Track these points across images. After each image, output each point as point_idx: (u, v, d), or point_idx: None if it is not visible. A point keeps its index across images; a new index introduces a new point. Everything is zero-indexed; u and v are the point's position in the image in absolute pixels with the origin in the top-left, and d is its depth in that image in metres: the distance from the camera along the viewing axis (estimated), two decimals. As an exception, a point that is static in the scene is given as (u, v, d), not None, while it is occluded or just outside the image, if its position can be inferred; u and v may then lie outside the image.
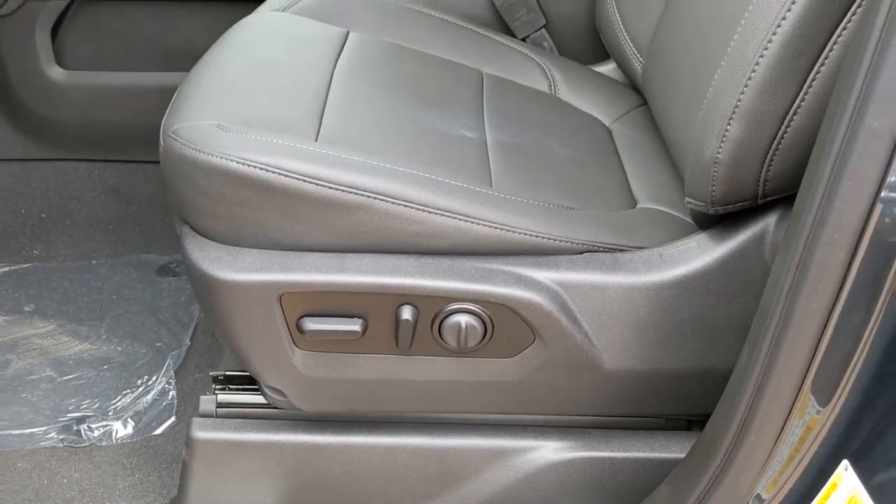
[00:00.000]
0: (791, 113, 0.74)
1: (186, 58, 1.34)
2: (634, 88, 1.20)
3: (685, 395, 0.92)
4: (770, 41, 0.73)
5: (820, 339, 0.66)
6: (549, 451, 0.95)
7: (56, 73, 1.43)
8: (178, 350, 1.25)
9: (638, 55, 1.15)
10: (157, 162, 1.44)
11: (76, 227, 1.50)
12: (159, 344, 1.26)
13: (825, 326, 0.65)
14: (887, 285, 0.61)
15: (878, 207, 0.60)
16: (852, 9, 0.70)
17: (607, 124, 1.15)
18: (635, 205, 0.97)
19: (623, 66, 1.23)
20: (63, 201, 1.52)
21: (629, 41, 1.17)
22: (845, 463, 0.67)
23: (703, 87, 0.82)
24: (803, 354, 0.66)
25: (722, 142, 0.77)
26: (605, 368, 0.88)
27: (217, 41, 1.10)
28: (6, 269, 1.42)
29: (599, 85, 1.23)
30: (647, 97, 1.13)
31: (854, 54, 0.60)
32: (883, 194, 0.60)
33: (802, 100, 0.74)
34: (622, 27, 1.19)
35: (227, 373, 0.99)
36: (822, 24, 0.72)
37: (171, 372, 1.21)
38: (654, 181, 1.00)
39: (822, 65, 0.72)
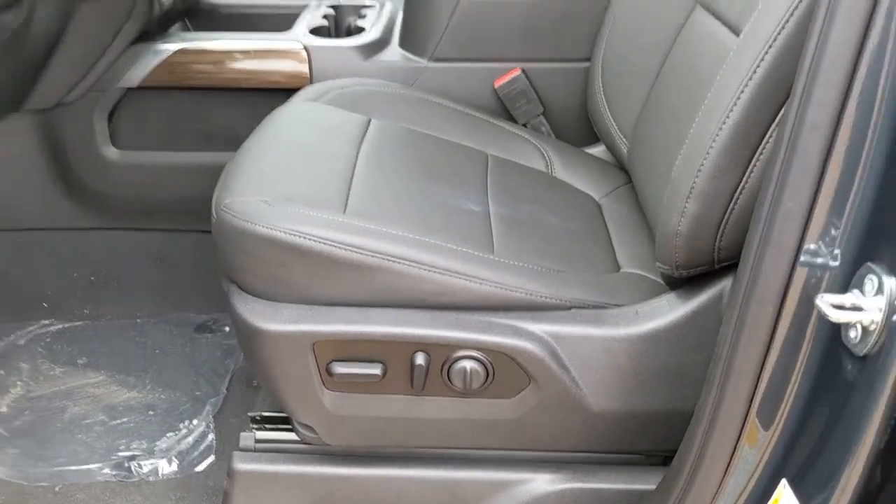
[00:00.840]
0: (737, 194, 0.90)
1: (226, 140, 1.52)
2: (622, 168, 1.36)
3: (661, 433, 1.05)
4: (718, 133, 0.89)
5: (759, 378, 0.80)
6: (543, 482, 1.08)
7: (111, 152, 1.59)
8: (215, 398, 1.39)
9: (624, 139, 1.31)
10: (196, 230, 1.61)
11: (122, 289, 1.65)
12: (198, 392, 1.41)
13: (762, 367, 0.79)
14: (809, 332, 0.76)
15: (798, 270, 0.76)
16: (784, 108, 0.87)
17: (597, 199, 1.30)
18: (619, 269, 1.12)
19: (611, 149, 1.39)
20: (111, 266, 1.68)
21: (616, 127, 1.34)
22: (784, 481, 0.81)
23: (670, 169, 0.98)
24: (746, 391, 0.80)
25: (682, 217, 0.92)
26: (591, 409, 1.01)
27: (258, 127, 1.27)
28: (60, 326, 1.58)
29: (591, 165, 1.39)
30: (631, 176, 1.29)
31: (776, 146, 0.76)
32: (802, 258, 0.75)
33: (746, 182, 0.89)
34: (610, 116, 1.36)
35: (263, 413, 1.13)
36: (760, 120, 0.87)
37: (210, 417, 1.35)
38: (636, 249, 1.15)
39: (760, 153, 0.88)
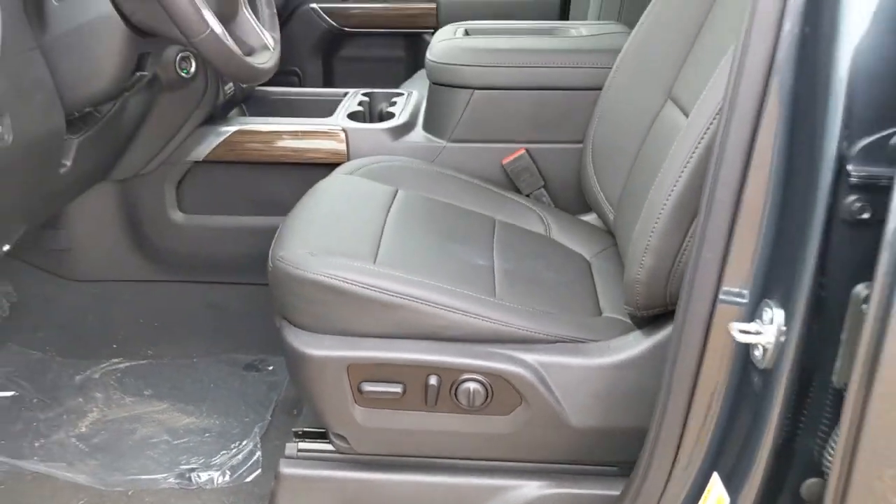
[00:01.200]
0: (682, 249, 1.14)
1: (275, 207, 1.78)
2: (609, 232, 1.60)
3: (631, 446, 1.25)
4: (666, 201, 1.13)
5: (692, 393, 1.02)
6: (533, 488, 1.30)
7: (177, 216, 1.87)
8: (261, 423, 1.63)
9: (610, 208, 1.54)
10: (246, 283, 1.87)
11: (182, 333, 1.91)
12: (247, 419, 1.65)
13: (695, 384, 1.01)
14: (727, 354, 0.98)
15: (717, 306, 0.99)
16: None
17: (588, 258, 1.54)
18: (601, 314, 1.35)
19: (601, 216, 1.63)
20: (173, 313, 1.94)
21: (604, 198, 1.58)
22: (715, 474, 1.02)
23: (635, 230, 1.23)
24: (682, 406, 1.01)
25: (640, 268, 1.16)
26: (572, 425, 1.24)
27: (304, 196, 1.54)
28: (128, 364, 1.83)
29: (583, 229, 1.64)
30: (616, 238, 1.53)
31: (698, 210, 1.00)
32: (720, 297, 0.99)
33: (688, 240, 1.13)
34: (599, 188, 1.60)
35: (305, 429, 1.37)
36: (698, 189, 1.12)
37: (257, 438, 1.59)
38: (615, 298, 1.39)
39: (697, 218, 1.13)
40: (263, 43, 1.47)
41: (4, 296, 1.86)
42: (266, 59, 1.43)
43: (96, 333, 1.90)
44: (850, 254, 0.83)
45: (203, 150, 1.81)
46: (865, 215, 0.81)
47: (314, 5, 2.81)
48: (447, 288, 1.24)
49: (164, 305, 1.94)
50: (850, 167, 0.81)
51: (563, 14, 2.62)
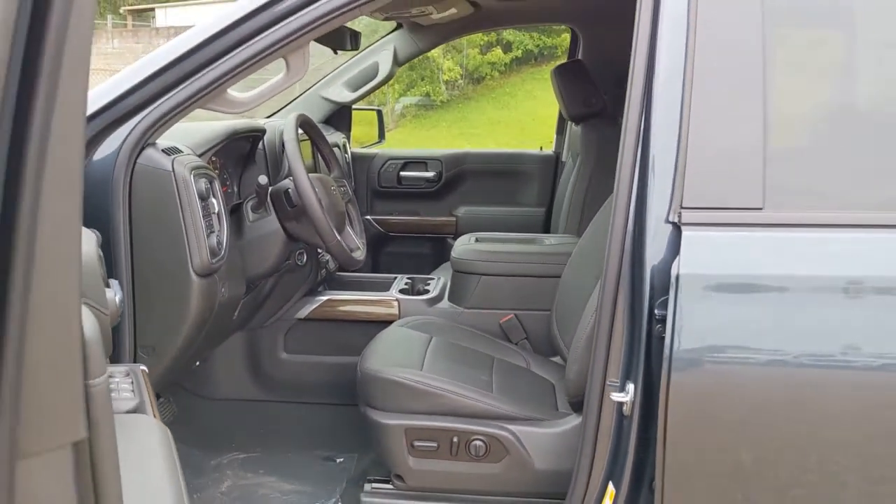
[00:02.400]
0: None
1: (351, 349, 2.71)
2: (567, 367, 2.52)
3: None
4: (581, 341, 2.06)
5: (596, 437, 1.90)
6: (514, 510, 2.15)
7: (283, 355, 2.80)
8: (336, 492, 2.48)
9: (566, 351, 2.48)
10: (329, 404, 2.77)
11: (283, 437, 2.77)
12: (328, 487, 2.50)
13: (597, 431, 1.89)
14: (612, 414, 1.87)
15: (605, 388, 1.89)
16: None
17: (553, 382, 2.45)
18: (558, 408, 2.25)
19: (562, 357, 2.56)
20: (277, 422, 2.81)
21: (562, 345, 2.51)
22: (609, 482, 1.89)
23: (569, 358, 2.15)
24: (591, 444, 1.91)
25: (570, 374, 2.07)
26: (538, 468, 2.10)
27: (375, 337, 2.46)
28: (243, 456, 2.69)
29: (551, 366, 2.56)
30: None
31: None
32: (606, 384, 1.89)
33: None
34: (560, 339, 2.54)
35: (375, 476, 2.23)
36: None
37: (337, 496, 2.44)
38: (564, 399, 2.29)
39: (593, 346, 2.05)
40: (357, 245, 2.48)
41: (168, 408, 2.75)
42: (359, 255, 2.42)
43: (219, 435, 2.77)
44: (659, 355, 1.70)
45: (304, 311, 2.77)
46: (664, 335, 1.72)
47: (369, 217, 3.89)
48: (463, 386, 2.15)
49: (271, 417, 2.82)
50: (656, 311, 1.73)
51: (546, 227, 3.68)
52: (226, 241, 2.06)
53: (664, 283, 1.51)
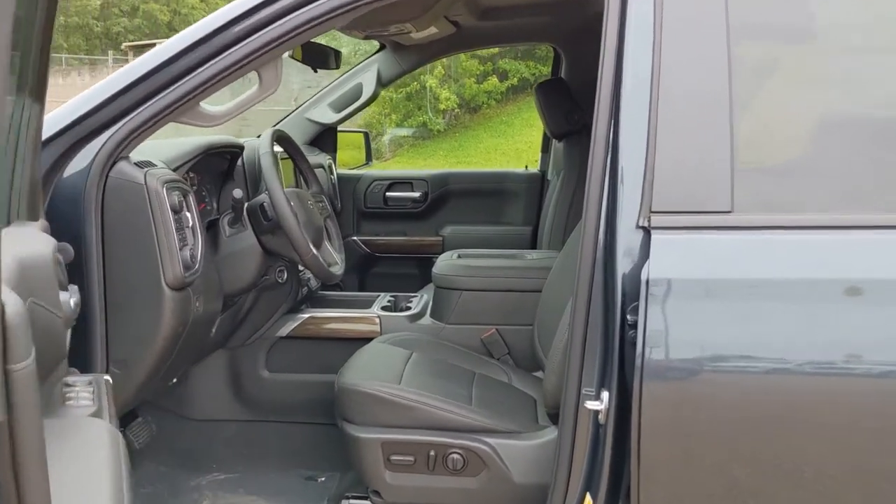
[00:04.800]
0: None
1: (332, 367, 2.69)
2: (549, 381, 2.50)
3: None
4: (557, 353, 2.05)
5: (572, 450, 1.88)
6: (494, 525, 2.12)
7: (265, 373, 2.76)
8: (320, 506, 2.45)
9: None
10: (310, 423, 2.75)
11: (265, 455, 2.74)
12: (310, 505, 2.48)
13: (573, 444, 1.88)
14: (587, 422, 1.86)
15: (581, 397, 1.88)
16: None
17: (534, 397, 2.43)
18: (537, 420, 2.22)
19: (543, 371, 2.54)
20: (258, 442, 2.79)
21: (543, 360, 2.50)
22: (588, 493, 1.86)
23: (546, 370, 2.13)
24: (567, 454, 1.88)
25: (548, 385, 2.05)
26: (515, 482, 2.07)
27: (353, 355, 2.45)
28: (223, 476, 2.66)
29: (533, 381, 2.54)
30: (551, 383, 2.43)
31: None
32: (581, 393, 1.88)
33: (575, 367, 2.03)
34: (542, 354, 2.52)
35: (351, 494, 2.20)
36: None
37: (318, 513, 2.41)
38: (543, 413, 2.27)
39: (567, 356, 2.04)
40: (336, 260, 2.47)
41: (147, 428, 2.73)
42: (337, 270, 2.42)
43: (201, 455, 2.74)
44: (633, 362, 1.67)
45: (286, 329, 2.76)
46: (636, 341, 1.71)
47: (355, 237, 3.89)
48: (441, 399, 2.13)
49: (252, 436, 2.80)
50: (628, 316, 1.72)
51: (532, 245, 3.68)
52: (200, 254, 2.05)
53: (635, 289, 1.50)
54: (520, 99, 17.18)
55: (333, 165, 3.81)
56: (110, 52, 28.51)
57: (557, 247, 3.06)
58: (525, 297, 2.66)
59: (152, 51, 1.89)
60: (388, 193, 3.92)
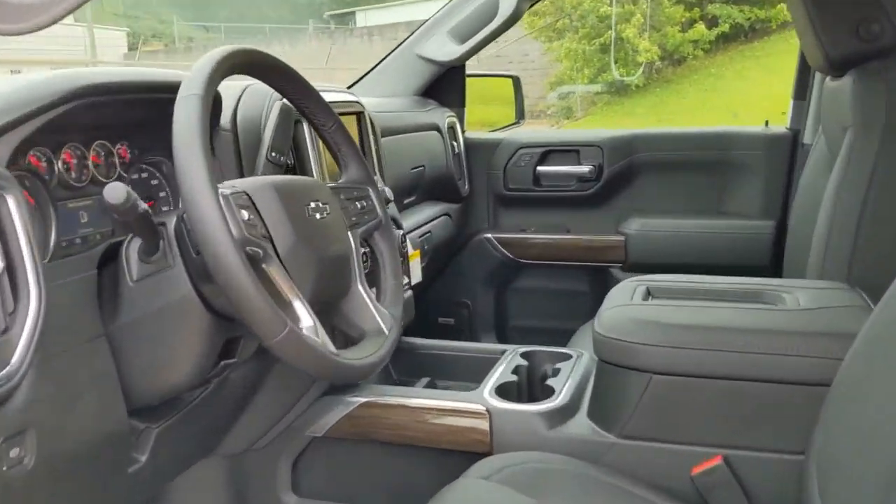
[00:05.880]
0: None
1: (405, 499, 1.46)
2: None
3: None
4: None
5: None
6: None
7: (290, 499, 1.58)
8: None
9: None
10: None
11: None
12: None
13: None
14: None
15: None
16: None
17: None
18: None
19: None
20: None
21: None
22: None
23: None
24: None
25: None
26: None
27: (433, 498, 1.19)
28: None
29: None
30: None
31: None
32: None
33: None
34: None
35: None
36: None
37: None
38: None
39: None
40: (378, 326, 1.18)
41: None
42: (372, 351, 1.13)
43: None
44: None
45: (324, 423, 1.53)
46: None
47: (489, 235, 2.58)
48: None
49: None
50: None
51: (778, 257, 2.20)
52: (30, 333, 0.87)
53: None
54: (731, 48, 15.79)
55: (459, 127, 2.53)
56: (311, 21, 28.94)
57: (842, 274, 1.58)
58: (786, 396, 1.28)
59: None
60: (539, 168, 2.54)
